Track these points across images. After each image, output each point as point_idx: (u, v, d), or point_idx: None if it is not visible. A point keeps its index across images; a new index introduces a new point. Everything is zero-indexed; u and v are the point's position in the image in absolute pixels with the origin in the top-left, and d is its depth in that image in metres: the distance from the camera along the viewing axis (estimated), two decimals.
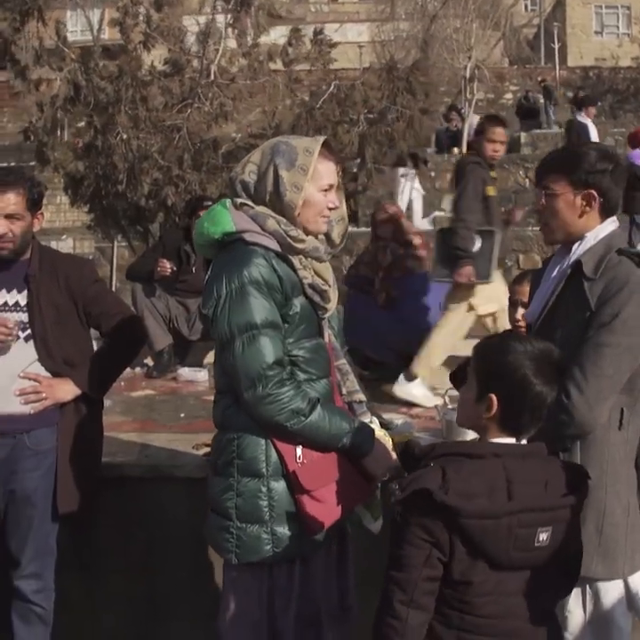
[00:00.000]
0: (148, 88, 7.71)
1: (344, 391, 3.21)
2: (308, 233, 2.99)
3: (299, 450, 2.89)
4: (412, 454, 2.52)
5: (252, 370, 2.82)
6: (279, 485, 2.92)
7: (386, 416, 4.79)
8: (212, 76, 8.00)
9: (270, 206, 2.96)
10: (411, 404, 5.90)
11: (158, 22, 8.02)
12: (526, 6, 47.85)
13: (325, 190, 2.95)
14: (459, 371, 3.13)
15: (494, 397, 2.35)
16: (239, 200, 2.98)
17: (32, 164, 27.73)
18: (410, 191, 16.58)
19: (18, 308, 3.75)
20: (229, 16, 8.58)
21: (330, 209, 2.99)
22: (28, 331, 3.70)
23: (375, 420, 3.23)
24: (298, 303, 2.94)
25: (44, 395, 3.68)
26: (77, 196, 8.55)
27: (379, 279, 6.47)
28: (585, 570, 2.56)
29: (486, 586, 2.27)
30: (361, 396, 3.26)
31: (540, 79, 33.36)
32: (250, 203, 2.97)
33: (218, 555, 3.13)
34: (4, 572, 3.79)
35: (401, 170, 16.02)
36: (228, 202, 3.01)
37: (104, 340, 4.07)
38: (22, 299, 3.77)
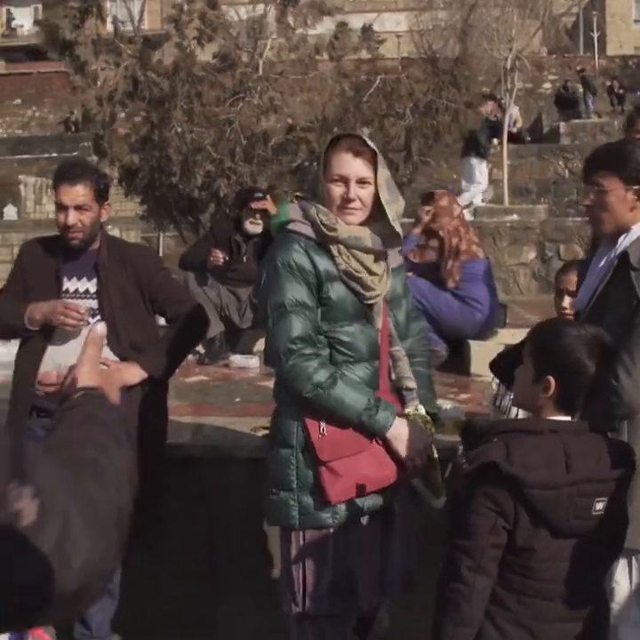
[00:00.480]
0: (202, 83, 7.90)
1: (393, 377, 3.33)
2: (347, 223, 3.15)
3: (323, 423, 3.06)
4: (473, 432, 2.71)
5: (280, 344, 3.04)
6: (305, 456, 3.11)
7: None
8: (261, 71, 8.16)
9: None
10: (458, 390, 6.09)
11: (213, 19, 8.22)
12: None
13: (335, 180, 3.09)
14: (498, 359, 3.33)
15: (552, 379, 2.53)
16: (297, 193, 3.29)
17: (75, 154, 28.17)
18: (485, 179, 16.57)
19: (88, 295, 3.92)
20: (276, 10, 8.75)
21: (347, 201, 3.10)
22: (98, 317, 3.84)
23: (421, 407, 3.33)
24: (335, 288, 3.12)
25: (115, 377, 3.79)
26: (131, 187, 8.80)
27: (451, 262, 6.62)
28: (632, 542, 2.75)
29: (546, 552, 2.46)
30: (410, 383, 3.35)
31: (578, 68, 33.19)
32: (302, 195, 3.25)
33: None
34: None
35: (472, 159, 16.01)
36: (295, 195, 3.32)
37: (169, 326, 4.25)
38: (92, 286, 3.95)
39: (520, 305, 10.53)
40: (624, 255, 3.01)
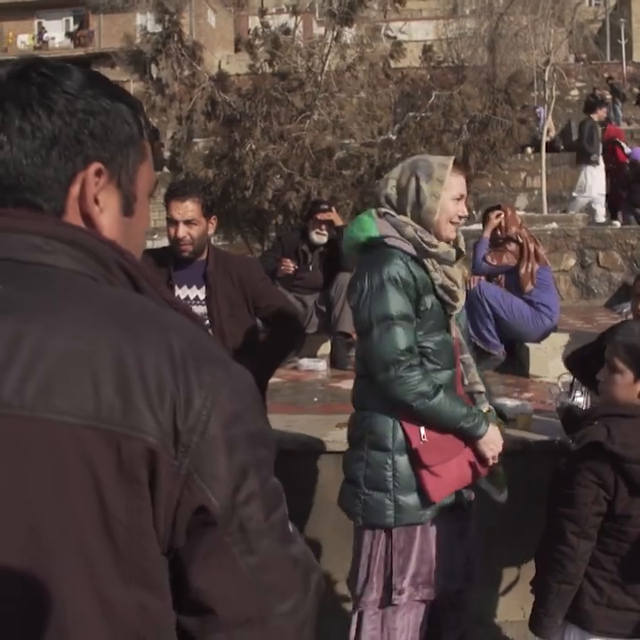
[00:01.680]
0: (277, 103, 8.34)
1: (466, 382, 3.65)
2: (440, 239, 3.42)
3: (422, 430, 3.29)
4: (574, 418, 3.16)
5: (387, 354, 3.24)
6: (403, 459, 3.34)
7: (499, 400, 5.35)
8: (323, 88, 8.60)
9: (410, 215, 3.41)
10: (520, 390, 6.47)
11: (283, 42, 8.69)
12: (591, 1, 47.57)
13: (457, 199, 3.40)
14: (573, 356, 3.73)
15: None
16: (383, 210, 3.45)
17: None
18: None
19: (197, 302, 4.31)
20: (335, 31, 9.21)
21: (459, 217, 3.43)
22: (207, 321, 4.23)
23: (493, 409, 3.67)
24: (428, 301, 3.35)
25: None
26: None
27: (529, 266, 7.00)
28: None
29: None
30: (481, 387, 3.68)
31: (606, 76, 33.36)
32: (392, 212, 3.44)
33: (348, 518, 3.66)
34: None
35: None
36: (373, 211, 3.50)
37: (269, 331, 4.62)
38: (201, 294, 4.34)
39: (562, 311, 10.85)
40: None
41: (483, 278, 7.22)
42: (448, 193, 3.37)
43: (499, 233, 7.13)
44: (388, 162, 8.49)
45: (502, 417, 3.89)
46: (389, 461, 3.34)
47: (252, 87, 8.62)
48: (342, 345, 7.49)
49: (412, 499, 3.35)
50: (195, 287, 4.36)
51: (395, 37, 9.87)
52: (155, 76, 8.55)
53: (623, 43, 38.81)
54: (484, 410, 3.57)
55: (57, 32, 47.76)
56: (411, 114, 9.03)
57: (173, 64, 8.51)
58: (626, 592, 2.93)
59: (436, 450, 3.32)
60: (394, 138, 9.02)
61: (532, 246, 7.00)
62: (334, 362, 7.54)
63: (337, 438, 4.94)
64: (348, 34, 9.57)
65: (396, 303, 3.27)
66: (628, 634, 2.95)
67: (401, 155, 8.52)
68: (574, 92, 36.06)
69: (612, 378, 3.05)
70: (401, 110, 9.50)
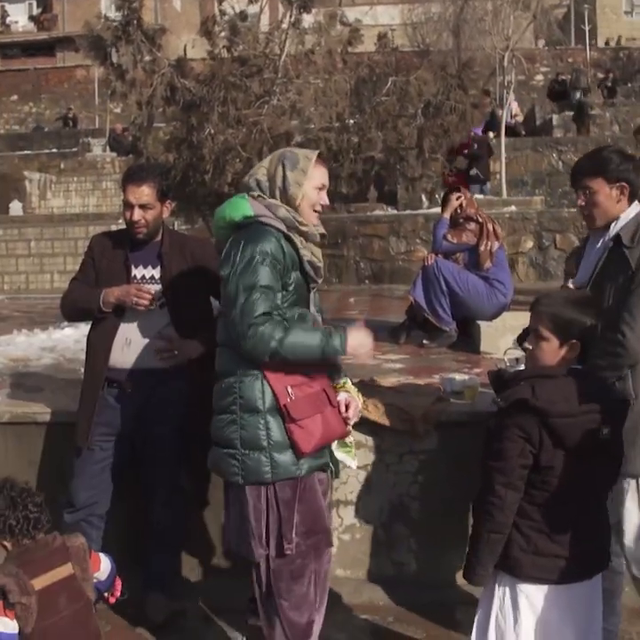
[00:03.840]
0: (235, 89, 8.49)
1: None
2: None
3: (289, 388, 3.49)
4: (502, 379, 3.40)
5: (246, 319, 3.42)
6: (274, 419, 3.51)
7: (450, 375, 5.57)
8: (280, 73, 8.76)
9: (278, 199, 3.65)
10: (471, 366, 6.68)
11: (241, 29, 8.83)
12: None
13: (319, 189, 3.68)
14: (522, 333, 3.96)
15: (578, 343, 3.19)
16: (255, 193, 3.68)
17: (74, 149, 28.48)
18: None
19: (153, 281, 4.44)
20: (292, 17, 9.36)
21: (321, 206, 3.71)
22: (162, 299, 4.37)
23: (349, 380, 3.87)
24: (294, 276, 3.59)
25: (176, 352, 4.31)
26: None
27: (489, 244, 7.24)
28: (636, 469, 3.57)
29: (563, 469, 3.16)
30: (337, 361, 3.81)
31: (570, 60, 33.65)
32: (264, 195, 3.68)
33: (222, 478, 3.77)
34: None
35: None
36: (246, 195, 3.70)
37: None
38: (157, 273, 4.48)
39: (520, 292, 11.11)
40: (617, 237, 3.80)
41: (440, 256, 7.44)
42: (310, 182, 3.65)
43: (459, 211, 7.38)
44: (344, 146, 8.67)
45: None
46: (262, 422, 3.51)
47: (209, 73, 8.77)
48: None
49: (286, 455, 3.52)
50: (150, 267, 4.48)
51: (350, 25, 10.04)
52: (115, 62, 8.67)
53: (587, 28, 39.09)
54: (341, 382, 3.80)
55: (20, 16, 47.38)
56: (369, 98, 9.19)
57: (133, 50, 8.63)
58: (551, 540, 3.18)
59: (301, 406, 3.50)
60: (351, 123, 9.21)
61: (491, 226, 7.25)
62: None
63: None
64: (308, 20, 9.73)
65: (264, 276, 3.47)
66: (554, 579, 3.19)
67: (357, 139, 8.71)
68: (539, 77, 36.37)
69: (539, 345, 3.27)
70: (359, 96, 9.68)
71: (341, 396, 3.73)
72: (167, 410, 4.36)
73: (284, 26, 9.37)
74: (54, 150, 29.59)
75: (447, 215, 7.48)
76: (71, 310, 4.59)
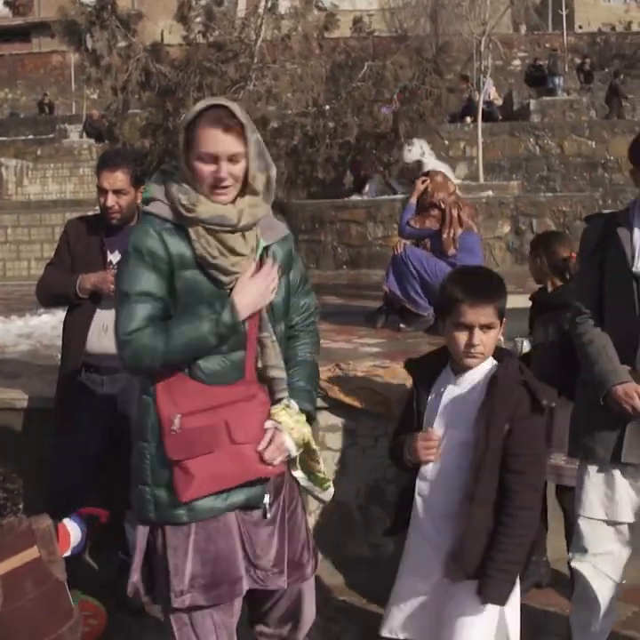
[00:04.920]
0: (210, 74, 8.50)
1: (260, 364, 2.98)
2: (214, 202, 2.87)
3: (177, 418, 2.83)
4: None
5: (119, 334, 2.85)
6: (158, 450, 2.90)
7: None
8: (257, 59, 8.78)
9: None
10: None
11: (217, 14, 8.83)
12: None
13: (202, 159, 2.79)
14: None
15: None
16: (164, 166, 3.00)
17: (51, 135, 28.29)
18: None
19: None
20: (269, 2, 9.38)
21: (219, 181, 2.81)
22: None
23: (293, 403, 3.01)
24: (185, 276, 2.85)
25: None
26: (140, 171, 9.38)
27: (453, 231, 7.26)
28: None
29: None
30: (277, 373, 3.01)
31: (547, 45, 33.77)
32: (167, 168, 2.97)
33: None
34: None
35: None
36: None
37: None
38: None
39: None
40: None
41: (408, 242, 7.49)
42: (191, 152, 2.83)
43: (424, 197, 7.38)
44: (320, 131, 8.69)
45: (309, 417, 3.07)
46: (147, 452, 2.93)
47: (185, 58, 8.78)
48: None
49: (167, 495, 2.91)
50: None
51: (326, 9, 10.06)
52: (90, 47, 8.67)
53: (564, 13, 39.22)
54: (281, 405, 2.98)
55: None
56: (345, 83, 9.23)
57: (108, 36, 8.63)
58: None
59: (185, 442, 2.83)
60: (327, 108, 9.25)
61: (455, 212, 7.25)
62: None
63: None
64: (284, 5, 9.74)
65: (136, 278, 2.83)
66: None
67: (334, 124, 8.73)
68: (516, 62, 36.47)
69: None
70: (335, 81, 9.71)
71: (268, 426, 2.93)
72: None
73: (260, 11, 9.38)
74: (31, 137, 29.41)
75: (413, 200, 7.49)
76: (47, 296, 4.61)
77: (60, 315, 4.87)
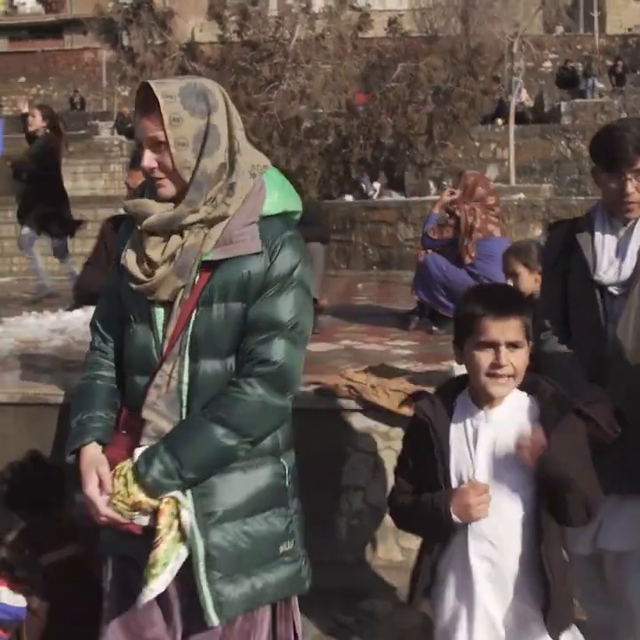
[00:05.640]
0: (245, 73, 8.52)
1: (146, 400, 2.47)
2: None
3: None
4: None
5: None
6: None
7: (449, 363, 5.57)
8: (290, 58, 8.78)
9: None
10: None
11: (252, 14, 8.86)
12: None
13: (141, 146, 2.46)
14: None
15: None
16: None
17: (82, 131, 28.46)
18: None
19: None
20: (303, 1, 9.39)
21: (151, 172, 2.45)
22: None
23: (142, 463, 2.38)
24: (122, 276, 2.56)
25: None
26: None
27: (467, 240, 7.20)
28: None
29: None
30: (150, 415, 2.47)
31: (579, 48, 33.56)
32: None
33: None
34: None
35: None
36: None
37: None
38: None
39: None
40: None
41: (430, 251, 7.49)
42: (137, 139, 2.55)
43: (450, 207, 7.32)
44: (354, 131, 8.68)
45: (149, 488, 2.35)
46: None
47: (220, 57, 8.80)
48: None
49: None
50: None
51: (360, 9, 10.06)
52: (126, 45, 8.71)
53: (596, 15, 38.96)
54: (134, 459, 2.41)
55: None
56: (378, 84, 9.22)
57: (145, 34, 8.67)
58: None
59: None
60: (360, 108, 9.25)
61: (469, 220, 7.18)
62: None
63: (300, 396, 5.15)
64: (318, 4, 9.75)
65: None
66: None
67: (367, 125, 8.72)
68: (547, 64, 36.28)
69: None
70: (369, 81, 9.70)
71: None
72: None
73: (294, 10, 9.38)
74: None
75: (436, 211, 7.47)
76: (84, 295, 4.64)
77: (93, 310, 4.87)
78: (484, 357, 2.60)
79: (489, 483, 2.63)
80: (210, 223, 2.42)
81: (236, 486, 2.45)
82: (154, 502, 2.35)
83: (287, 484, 2.56)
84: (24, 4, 47.69)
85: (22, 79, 42.59)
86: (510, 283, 4.63)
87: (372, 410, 4.97)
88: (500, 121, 22.09)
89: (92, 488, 2.40)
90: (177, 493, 2.37)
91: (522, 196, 14.88)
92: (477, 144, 20.66)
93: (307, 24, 9.54)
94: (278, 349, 2.40)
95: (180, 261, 2.41)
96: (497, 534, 2.66)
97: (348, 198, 14.82)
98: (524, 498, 2.64)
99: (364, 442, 4.99)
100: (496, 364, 2.59)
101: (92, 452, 2.49)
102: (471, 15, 28.55)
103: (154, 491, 2.35)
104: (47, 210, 9.26)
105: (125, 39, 8.69)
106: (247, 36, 9.09)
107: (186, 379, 2.44)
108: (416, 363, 5.86)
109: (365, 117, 9.13)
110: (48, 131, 9.22)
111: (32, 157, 9.08)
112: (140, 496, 2.34)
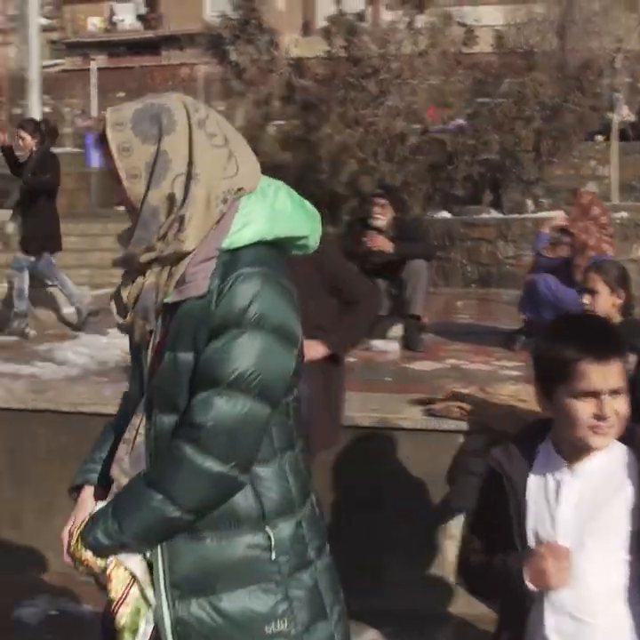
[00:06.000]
0: (353, 89, 8.51)
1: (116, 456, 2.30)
2: None
3: None
4: None
5: None
6: None
7: None
8: (396, 74, 8.74)
9: None
10: None
11: (360, 30, 8.87)
12: None
13: None
14: None
15: None
16: None
17: None
18: None
19: None
20: (409, 17, 9.34)
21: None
22: None
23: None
24: None
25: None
26: None
27: (580, 257, 7.05)
28: None
29: None
30: (114, 472, 2.28)
31: None
32: None
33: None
34: None
35: None
36: None
37: (346, 308, 4.71)
38: None
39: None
40: None
41: (539, 270, 7.34)
42: None
43: (565, 225, 7.21)
44: (460, 148, 8.57)
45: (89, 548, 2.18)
46: None
47: (329, 72, 8.80)
48: (414, 327, 7.63)
49: None
50: None
51: (465, 25, 9.96)
52: (234, 60, 8.76)
53: None
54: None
55: (127, 14, 48.20)
56: (481, 100, 9.11)
57: (253, 49, 8.72)
58: None
59: None
60: (466, 124, 9.14)
61: (583, 237, 7.04)
62: (406, 344, 7.66)
63: (411, 416, 5.05)
64: (420, 20, 9.68)
65: None
66: None
67: (474, 141, 8.62)
68: None
69: None
70: (471, 97, 9.59)
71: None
72: None
73: (400, 26, 9.34)
74: None
75: (546, 230, 7.35)
76: None
77: None
78: (585, 408, 2.20)
79: (572, 546, 2.21)
80: (168, 261, 2.13)
81: (205, 557, 2.17)
82: (100, 563, 2.16)
83: (274, 557, 2.16)
84: (123, 20, 48.60)
85: (121, 94, 43.45)
86: (586, 301, 4.51)
87: (481, 431, 4.85)
88: (599, 137, 21.65)
89: (65, 531, 2.29)
90: (126, 557, 2.16)
91: (624, 214, 14.55)
92: (576, 160, 20.26)
93: (411, 39, 9.47)
94: (209, 409, 2.05)
95: (141, 303, 2.17)
96: (580, 607, 2.24)
97: (445, 214, 14.71)
98: (616, 564, 2.24)
99: (474, 463, 4.86)
100: (599, 416, 2.20)
101: (82, 495, 2.37)
102: (569, 30, 28.11)
103: (94, 551, 2.16)
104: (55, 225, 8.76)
105: (233, 54, 8.74)
106: (354, 52, 9.07)
107: (150, 434, 2.19)
108: (525, 384, 5.71)
109: (471, 133, 9.02)
110: (40, 144, 8.59)
111: (40, 172, 8.41)
112: (87, 554, 2.18)
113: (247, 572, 2.15)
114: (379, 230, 7.63)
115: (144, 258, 2.12)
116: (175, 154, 2.08)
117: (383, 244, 7.35)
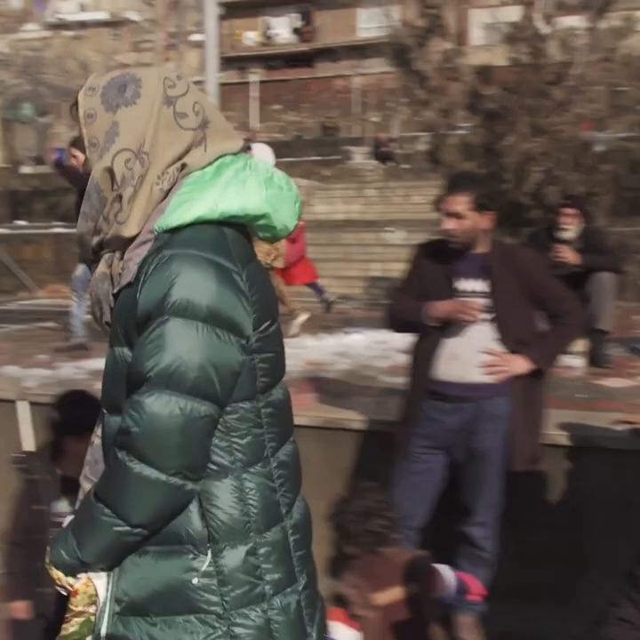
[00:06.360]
0: (540, 97, 8.35)
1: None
2: None
3: None
4: None
5: None
6: None
7: None
8: (580, 81, 8.51)
9: None
10: None
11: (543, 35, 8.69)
12: None
13: None
14: None
15: None
16: None
17: (337, 157, 29.07)
18: None
19: (478, 294, 4.26)
20: (591, 22, 9.08)
21: None
22: (489, 314, 4.20)
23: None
24: None
25: (504, 368, 4.14)
26: None
27: None
28: None
29: None
30: (84, 482, 2.14)
31: None
32: None
33: None
34: (456, 518, 4.36)
35: None
36: None
37: (551, 322, 4.52)
38: (481, 286, 4.27)
39: None
40: None
41: None
42: None
43: None
44: None
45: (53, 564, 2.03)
46: None
47: (518, 80, 8.64)
48: (600, 342, 7.37)
49: None
50: (473, 279, 4.32)
51: None
52: (418, 68, 8.70)
53: None
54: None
55: (282, 28, 49.05)
56: None
57: (439, 58, 8.64)
58: None
59: None
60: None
61: None
62: (592, 359, 7.41)
63: (615, 435, 4.88)
64: (602, 25, 9.40)
65: None
66: None
67: None
68: None
69: None
70: None
71: None
72: (493, 426, 4.22)
73: (581, 31, 9.10)
74: (315, 158, 30.33)
75: None
76: (396, 322, 4.55)
77: (373, 335, 4.77)
78: None
79: None
80: (116, 246, 1.99)
81: (146, 575, 1.97)
82: (70, 580, 2.00)
83: (215, 586, 1.94)
84: (278, 34, 49.44)
85: (277, 106, 44.24)
86: None
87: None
88: None
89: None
90: (96, 576, 2.01)
91: None
92: None
93: (593, 45, 9.21)
94: (139, 411, 1.85)
95: (94, 294, 2.05)
96: None
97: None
98: None
99: None
100: None
101: None
102: None
103: (59, 570, 2.00)
104: None
105: (417, 63, 8.69)
106: (537, 59, 8.87)
107: (104, 438, 2.02)
108: None
109: None
110: None
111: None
112: (58, 572, 2.03)
113: (186, 598, 1.94)
114: (566, 242, 7.40)
115: (94, 241, 2.00)
116: (126, 127, 1.93)
117: (572, 256, 7.11)
